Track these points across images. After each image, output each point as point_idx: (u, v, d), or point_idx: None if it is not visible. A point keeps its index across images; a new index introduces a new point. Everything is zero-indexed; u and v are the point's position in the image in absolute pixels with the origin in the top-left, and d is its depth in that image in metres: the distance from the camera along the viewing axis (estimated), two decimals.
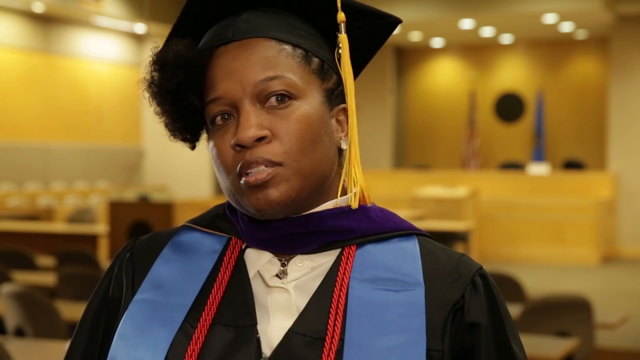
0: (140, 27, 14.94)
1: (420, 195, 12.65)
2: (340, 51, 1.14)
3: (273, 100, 1.08)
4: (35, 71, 14.63)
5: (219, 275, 1.12)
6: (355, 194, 1.13)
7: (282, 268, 1.12)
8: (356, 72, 1.17)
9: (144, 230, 8.16)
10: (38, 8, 13.85)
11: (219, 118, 1.10)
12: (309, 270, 1.11)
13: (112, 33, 15.77)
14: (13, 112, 14.27)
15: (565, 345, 4.15)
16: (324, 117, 1.11)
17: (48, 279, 6.27)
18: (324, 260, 1.12)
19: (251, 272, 1.12)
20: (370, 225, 1.13)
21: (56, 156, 14.97)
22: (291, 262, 1.12)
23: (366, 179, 1.15)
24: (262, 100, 1.08)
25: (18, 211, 12.41)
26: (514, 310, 4.83)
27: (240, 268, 1.13)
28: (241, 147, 1.07)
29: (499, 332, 1.10)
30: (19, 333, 4.82)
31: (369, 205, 1.15)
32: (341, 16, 1.13)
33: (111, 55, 15.99)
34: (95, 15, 14.22)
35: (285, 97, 1.08)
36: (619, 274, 11.68)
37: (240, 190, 1.08)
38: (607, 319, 4.98)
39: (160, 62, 1.11)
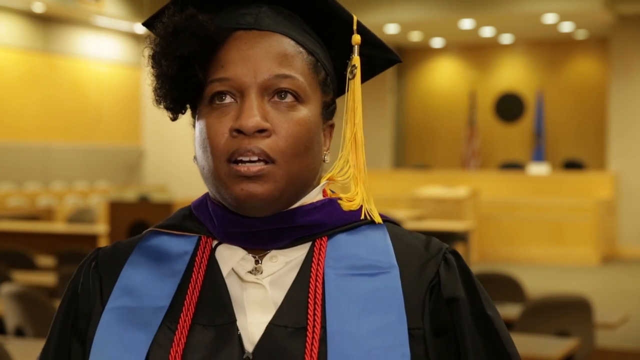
0: (140, 27, 14.91)
1: (420, 195, 12.65)
2: (354, 71, 1.16)
3: (280, 96, 1.09)
4: (35, 71, 14.64)
5: (193, 276, 1.12)
6: (371, 210, 1.16)
7: (255, 265, 1.12)
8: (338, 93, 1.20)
9: (144, 230, 8.14)
10: (38, 8, 13.85)
11: (218, 97, 1.09)
12: (283, 265, 1.12)
13: (112, 33, 15.77)
14: (13, 112, 14.27)
15: (565, 345, 4.15)
16: (319, 128, 1.13)
17: (48, 279, 6.27)
18: (297, 254, 1.12)
19: (225, 270, 1.12)
20: (341, 217, 1.14)
21: (56, 156, 14.96)
22: (265, 258, 1.12)
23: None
24: (269, 94, 1.09)
25: (18, 211, 12.41)
26: (514, 310, 4.82)
27: (213, 267, 1.13)
28: (239, 132, 1.07)
29: (476, 303, 1.13)
30: (19, 333, 4.82)
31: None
32: (357, 38, 1.16)
33: (111, 55, 15.98)
34: (95, 15, 14.23)
35: (292, 97, 1.09)
36: (619, 274, 11.68)
37: (224, 175, 1.08)
38: (607, 319, 4.98)
39: (175, 26, 1.09)
